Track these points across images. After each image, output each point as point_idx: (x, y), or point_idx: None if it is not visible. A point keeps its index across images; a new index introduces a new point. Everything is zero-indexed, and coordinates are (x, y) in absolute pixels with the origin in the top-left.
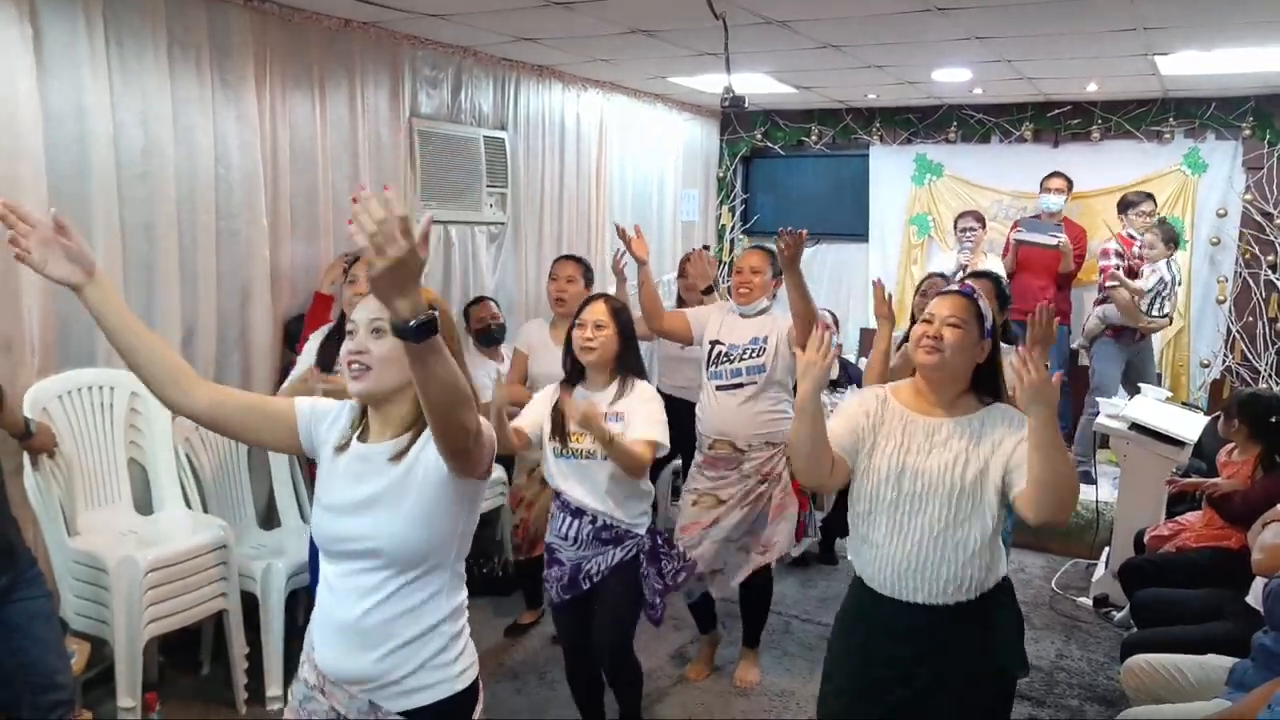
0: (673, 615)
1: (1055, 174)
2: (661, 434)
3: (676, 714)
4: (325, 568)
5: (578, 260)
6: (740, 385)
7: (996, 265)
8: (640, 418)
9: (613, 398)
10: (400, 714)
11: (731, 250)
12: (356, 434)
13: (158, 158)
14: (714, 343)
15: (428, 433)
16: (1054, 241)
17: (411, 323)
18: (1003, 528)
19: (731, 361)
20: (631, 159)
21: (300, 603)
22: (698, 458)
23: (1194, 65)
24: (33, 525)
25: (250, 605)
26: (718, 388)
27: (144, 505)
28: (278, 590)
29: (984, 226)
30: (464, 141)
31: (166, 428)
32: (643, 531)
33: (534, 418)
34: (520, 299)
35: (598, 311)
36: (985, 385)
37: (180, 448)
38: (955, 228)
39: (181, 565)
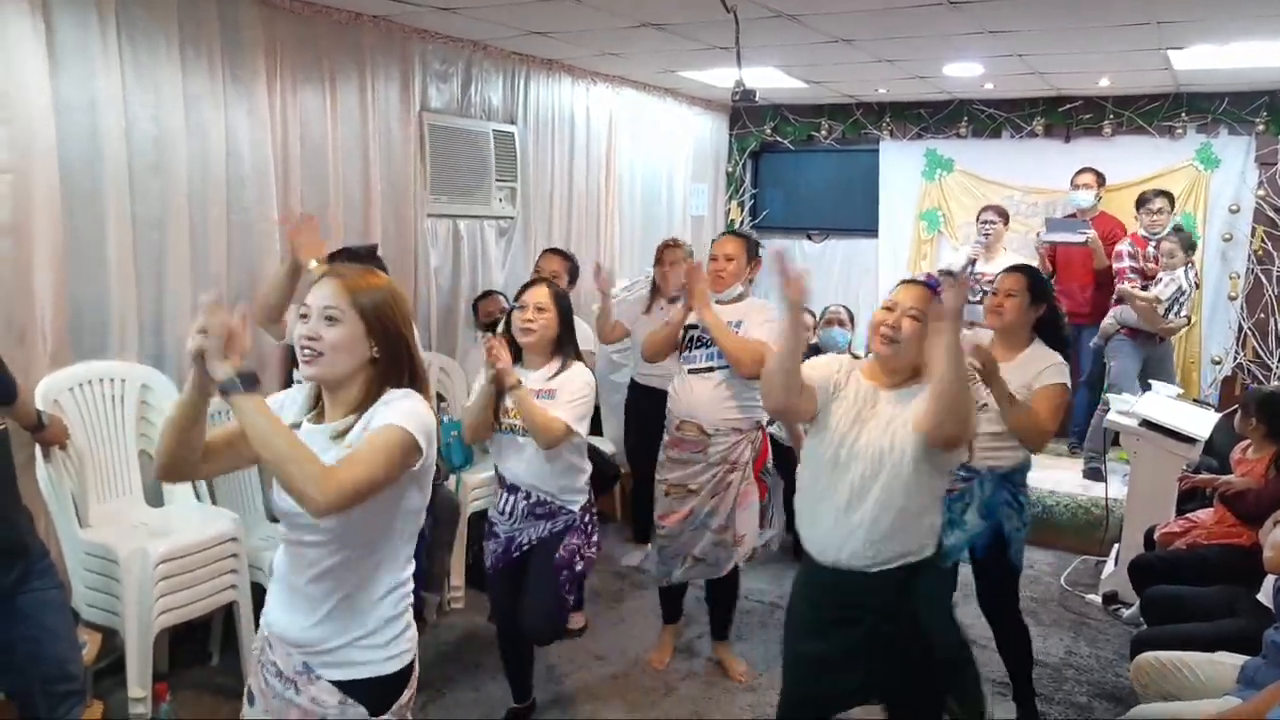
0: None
1: (1085, 169)
2: (575, 419)
3: (686, 711)
4: (281, 531)
5: (564, 255)
6: (711, 369)
7: (1015, 261)
8: (564, 396)
9: (547, 377)
10: (330, 682)
11: None
12: (309, 416)
13: (169, 151)
14: (689, 327)
15: (369, 413)
16: (1082, 239)
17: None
18: (938, 501)
19: (705, 346)
20: (641, 153)
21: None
22: (665, 439)
23: (1207, 60)
24: (44, 517)
25: (260, 596)
26: (690, 370)
27: (155, 497)
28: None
29: (1006, 222)
30: (474, 135)
31: None
32: (576, 508)
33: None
34: None
35: (539, 295)
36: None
37: None
38: (977, 219)
39: (192, 557)
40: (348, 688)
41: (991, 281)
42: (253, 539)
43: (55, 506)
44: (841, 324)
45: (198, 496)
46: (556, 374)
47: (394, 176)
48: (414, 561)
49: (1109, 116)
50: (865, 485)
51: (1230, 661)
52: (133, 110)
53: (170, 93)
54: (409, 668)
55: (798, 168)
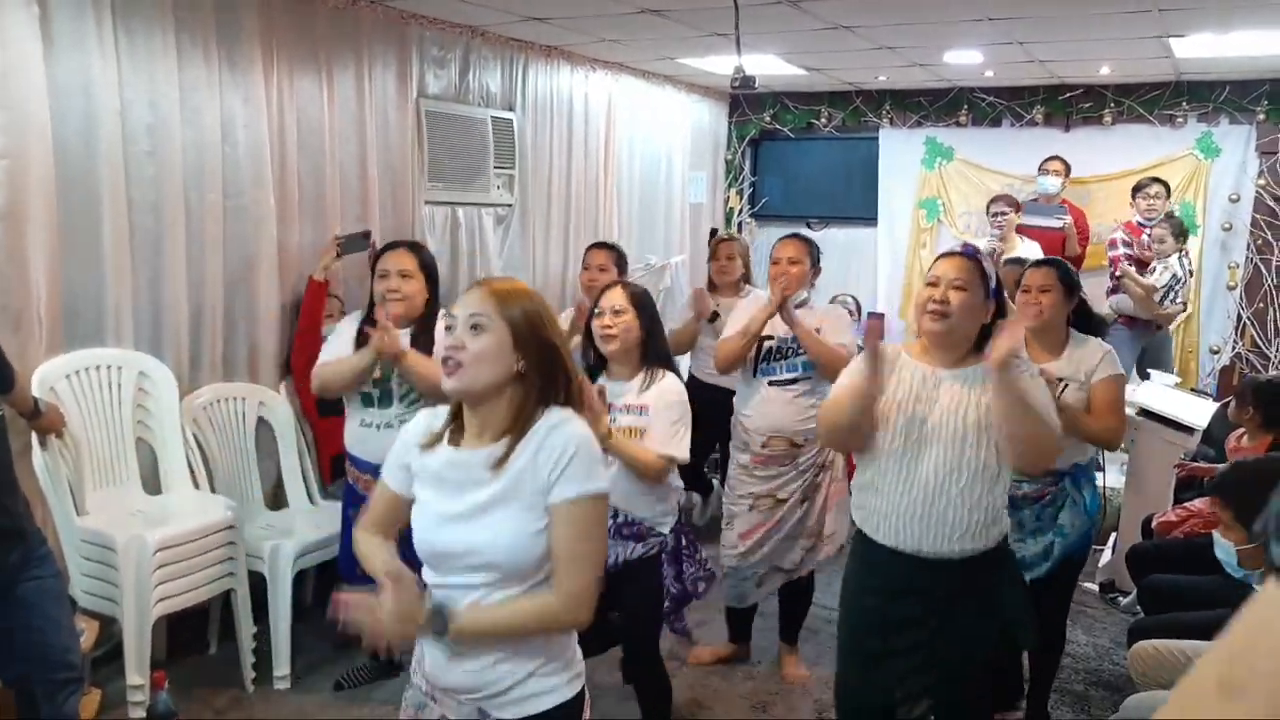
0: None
1: (1054, 156)
2: (680, 448)
3: (685, 698)
4: (430, 577)
5: (610, 247)
6: (795, 380)
7: (1033, 250)
8: (660, 424)
9: (638, 389)
10: None
11: (739, 233)
12: (447, 434)
13: (165, 136)
14: (765, 338)
15: (529, 438)
16: (1059, 224)
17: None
18: (1006, 480)
19: (786, 357)
20: (639, 141)
21: (308, 583)
22: (745, 459)
23: (1209, 48)
24: (41, 504)
25: (258, 585)
26: (770, 383)
27: (152, 485)
28: (285, 570)
29: (1017, 211)
30: (471, 122)
31: (174, 408)
32: (666, 531)
33: None
34: (528, 281)
35: (615, 297)
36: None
37: (188, 428)
38: (988, 212)
39: (190, 545)
40: None
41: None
42: (250, 528)
43: (52, 494)
44: (850, 314)
45: (195, 484)
46: (647, 387)
47: (391, 163)
48: None
49: (1109, 105)
50: (944, 473)
51: None
52: (128, 96)
53: (166, 78)
54: (584, 689)
55: (797, 156)
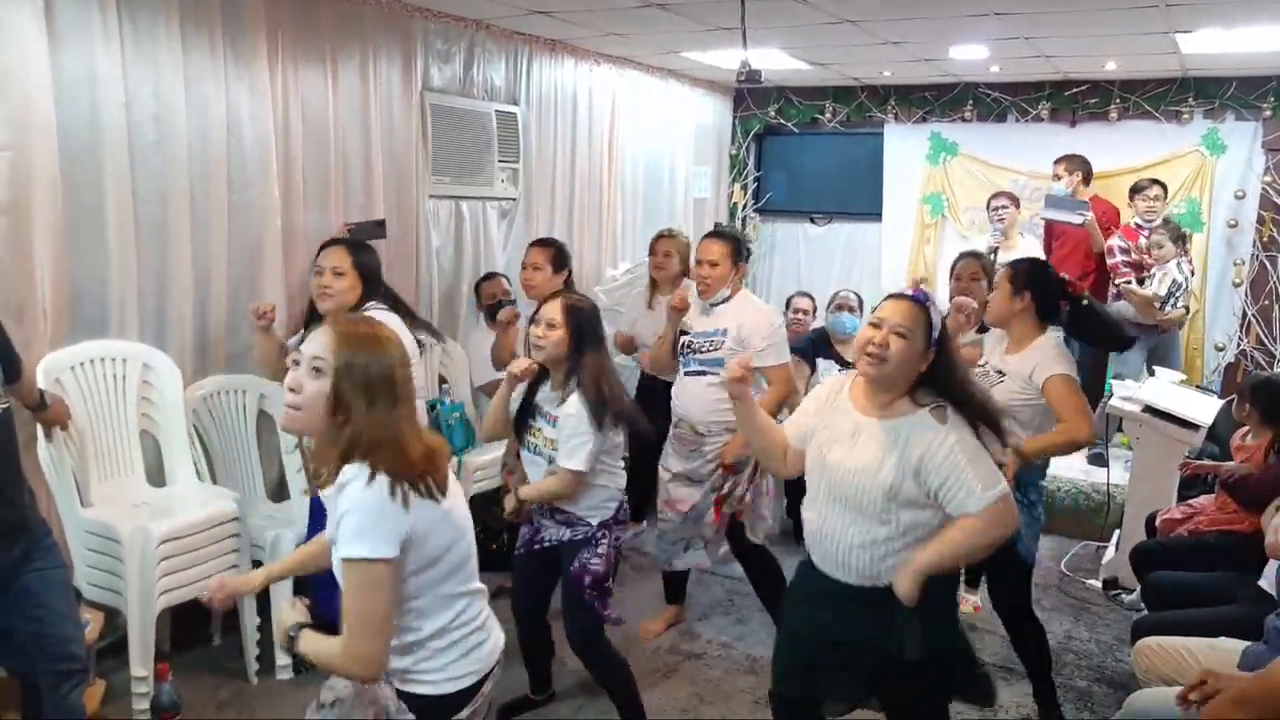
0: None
1: (1062, 158)
2: (576, 460)
3: (686, 693)
4: None
5: (547, 245)
6: (704, 373)
7: (1034, 248)
8: (561, 440)
9: (557, 402)
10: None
11: (744, 229)
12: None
13: (169, 128)
14: (682, 332)
15: (344, 475)
16: (1079, 220)
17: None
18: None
19: (696, 352)
20: (644, 135)
21: (310, 574)
22: (671, 431)
23: (1215, 44)
24: (46, 496)
25: None
26: (685, 373)
27: (156, 477)
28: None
29: (1018, 207)
30: (476, 116)
31: (178, 400)
32: (594, 523)
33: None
34: None
35: (551, 310)
36: (930, 388)
37: (191, 420)
38: (988, 207)
39: (194, 536)
40: (404, 697)
41: None
42: (253, 519)
43: (57, 486)
44: (851, 309)
45: (199, 476)
46: (562, 401)
47: (396, 156)
48: (472, 584)
49: (1115, 101)
50: (854, 518)
51: (1231, 647)
52: (133, 87)
53: (170, 70)
54: (470, 689)
55: (801, 150)
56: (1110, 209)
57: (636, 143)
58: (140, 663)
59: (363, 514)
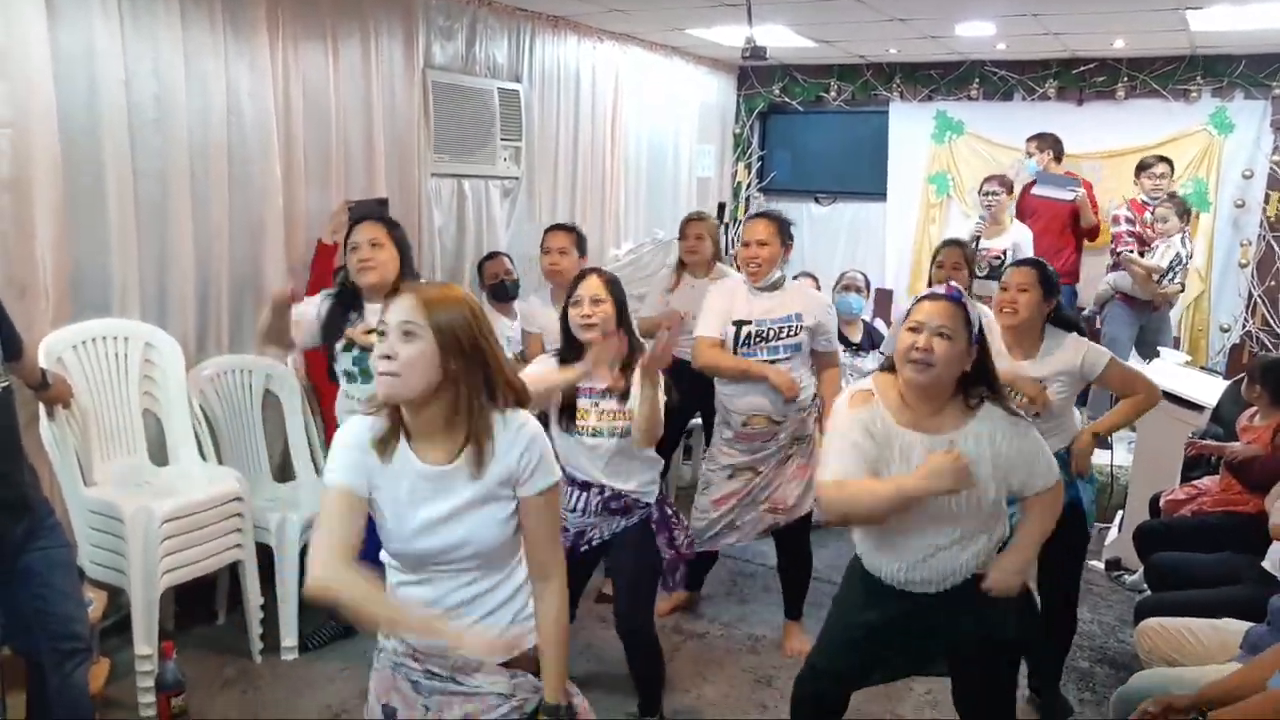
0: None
1: (1034, 136)
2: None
3: (690, 673)
4: (399, 576)
5: (569, 229)
6: (775, 361)
7: (1023, 234)
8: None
9: (610, 380)
10: (499, 664)
11: (747, 207)
12: (405, 443)
13: (170, 105)
14: (739, 322)
15: (496, 439)
16: (1070, 196)
17: None
18: (1005, 515)
19: (767, 340)
20: (647, 113)
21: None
22: (728, 433)
23: (1225, 20)
24: (49, 475)
25: (265, 556)
26: None
27: (159, 456)
28: (292, 542)
29: (1010, 192)
30: (478, 93)
31: (181, 379)
32: (651, 500)
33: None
34: (535, 254)
35: (593, 286)
36: (974, 384)
37: (194, 399)
38: (980, 190)
39: (197, 516)
40: (513, 664)
41: (998, 258)
42: (257, 499)
43: (60, 465)
44: (858, 290)
45: (203, 456)
46: (622, 368)
47: (397, 134)
48: None
49: (1123, 79)
50: (936, 542)
51: (1234, 628)
52: (132, 65)
53: (170, 47)
54: None
55: (806, 129)
56: (1085, 183)
57: (640, 121)
58: (144, 641)
59: (543, 443)
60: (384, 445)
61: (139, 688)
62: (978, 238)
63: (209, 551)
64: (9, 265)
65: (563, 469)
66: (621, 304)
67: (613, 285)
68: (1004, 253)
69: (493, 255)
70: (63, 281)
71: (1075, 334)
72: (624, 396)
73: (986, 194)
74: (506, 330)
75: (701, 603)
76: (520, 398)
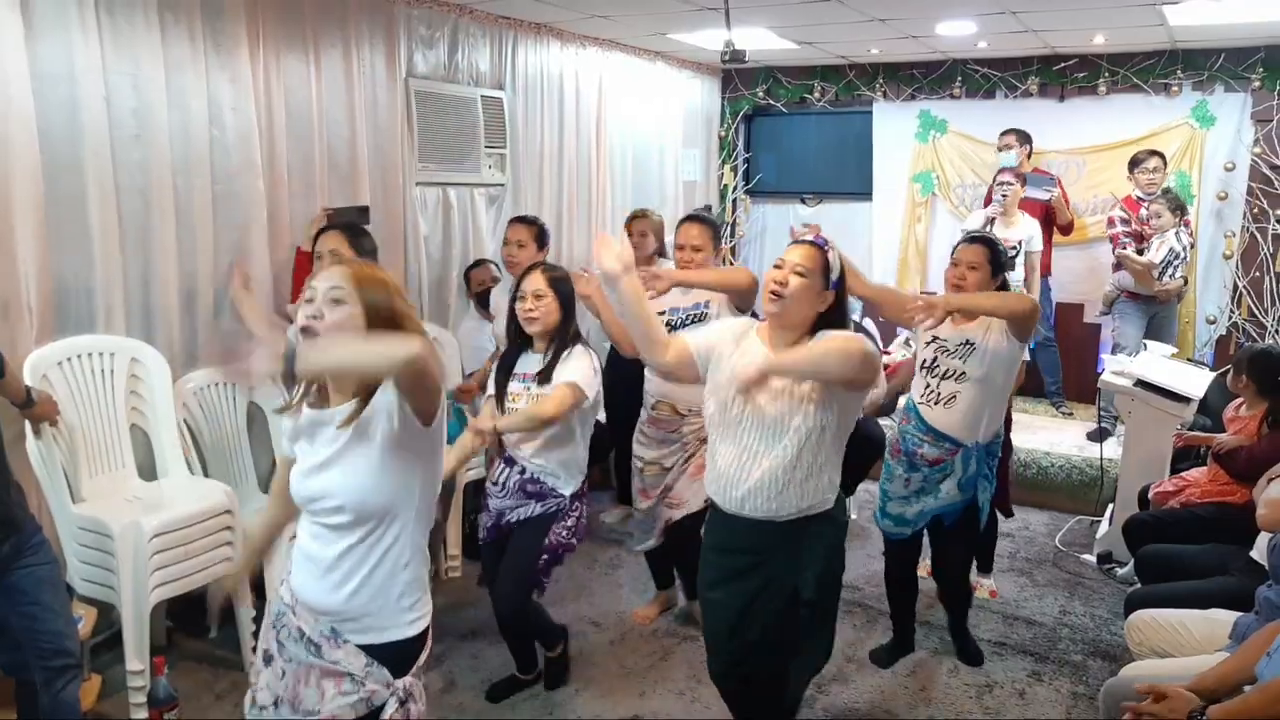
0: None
1: (1007, 130)
2: (583, 379)
3: (682, 675)
4: (304, 527)
5: (531, 222)
6: None
7: (1034, 227)
8: (567, 369)
9: (539, 365)
10: (358, 645)
11: (734, 211)
12: (310, 399)
13: (150, 120)
14: (660, 313)
15: (378, 395)
16: (1046, 196)
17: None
18: (838, 457)
19: (674, 329)
20: (632, 118)
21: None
22: (643, 419)
23: (1203, 15)
24: (36, 492)
25: (256, 569)
26: None
27: (147, 471)
28: (281, 554)
29: (1023, 184)
30: (461, 101)
31: (168, 394)
32: (567, 493)
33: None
34: None
35: (536, 282)
36: (828, 327)
37: (181, 414)
38: (994, 181)
39: (186, 530)
40: (373, 651)
41: (1014, 249)
42: (246, 511)
43: (47, 482)
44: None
45: (190, 470)
46: (551, 362)
47: (381, 144)
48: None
49: (1104, 75)
50: (759, 449)
51: (1224, 618)
52: (112, 79)
53: (150, 61)
54: (427, 630)
55: (790, 131)
56: (1059, 181)
57: (625, 126)
58: (136, 657)
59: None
60: (295, 404)
61: (131, 704)
62: (991, 222)
63: (199, 565)
64: None
65: (499, 441)
66: (566, 299)
67: (557, 281)
68: (1019, 243)
69: (479, 263)
70: (46, 298)
71: None
72: (547, 380)
73: (1002, 184)
74: (490, 339)
75: (691, 604)
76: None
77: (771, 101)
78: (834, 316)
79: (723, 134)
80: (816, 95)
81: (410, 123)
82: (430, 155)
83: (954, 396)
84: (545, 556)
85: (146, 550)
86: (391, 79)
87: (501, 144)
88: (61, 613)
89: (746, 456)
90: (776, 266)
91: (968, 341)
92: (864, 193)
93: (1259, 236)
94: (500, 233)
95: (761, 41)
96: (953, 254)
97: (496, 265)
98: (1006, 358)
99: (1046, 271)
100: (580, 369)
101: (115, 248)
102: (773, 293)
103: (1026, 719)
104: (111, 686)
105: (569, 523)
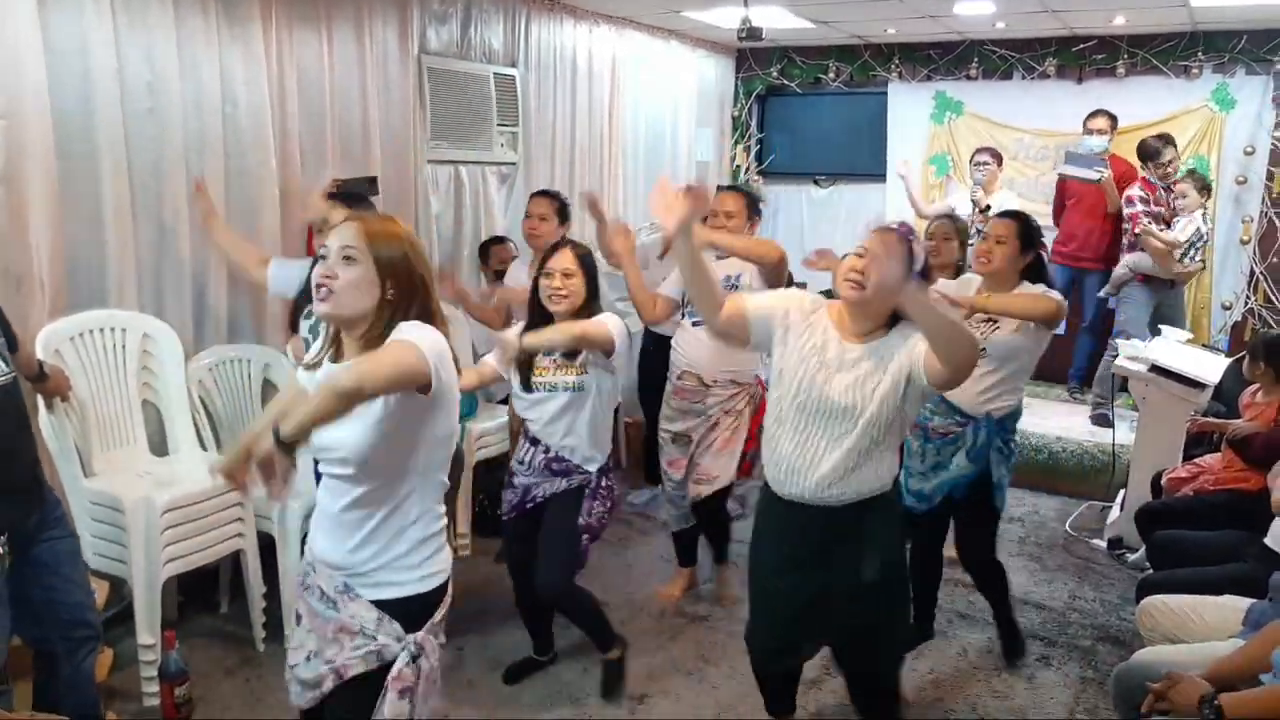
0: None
1: (1098, 112)
2: (616, 328)
3: (692, 656)
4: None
5: (553, 196)
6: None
7: (1012, 201)
8: (606, 319)
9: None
10: (370, 601)
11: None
12: (329, 355)
13: (163, 95)
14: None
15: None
16: (1096, 177)
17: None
18: (899, 441)
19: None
20: (645, 97)
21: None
22: (669, 390)
23: None
24: (49, 467)
25: (267, 545)
26: (693, 323)
27: (159, 446)
28: (294, 530)
29: (1000, 164)
30: (474, 79)
31: (179, 369)
32: (593, 470)
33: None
34: None
35: (565, 260)
36: (909, 322)
37: (193, 390)
38: (971, 160)
39: (198, 505)
40: (384, 606)
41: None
42: (258, 488)
43: (60, 456)
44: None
45: (203, 445)
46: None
47: (393, 121)
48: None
49: (1123, 56)
50: (834, 437)
51: (1236, 605)
52: (125, 54)
53: (163, 36)
54: (442, 587)
55: (804, 111)
56: (1130, 170)
57: (637, 105)
58: (147, 631)
59: (424, 334)
60: (317, 362)
61: (142, 677)
62: (988, 206)
63: (210, 541)
64: (4, 258)
65: (523, 424)
66: (592, 277)
67: (585, 259)
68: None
69: (500, 240)
70: (59, 273)
71: (1042, 286)
72: (576, 353)
73: (979, 164)
74: None
75: (703, 585)
76: (445, 330)
77: (785, 81)
78: None
79: (736, 114)
80: (831, 75)
81: (423, 100)
82: (442, 133)
83: None
84: (586, 536)
85: (158, 525)
86: (404, 55)
87: (514, 122)
88: (82, 585)
89: (813, 446)
90: (858, 255)
91: (991, 319)
92: (878, 174)
93: (1277, 221)
94: (512, 211)
95: (777, 20)
96: (928, 230)
97: (515, 244)
98: (1030, 344)
99: (1103, 264)
100: (614, 320)
101: (128, 222)
102: (853, 282)
103: (1035, 703)
104: (123, 660)
105: (603, 505)
